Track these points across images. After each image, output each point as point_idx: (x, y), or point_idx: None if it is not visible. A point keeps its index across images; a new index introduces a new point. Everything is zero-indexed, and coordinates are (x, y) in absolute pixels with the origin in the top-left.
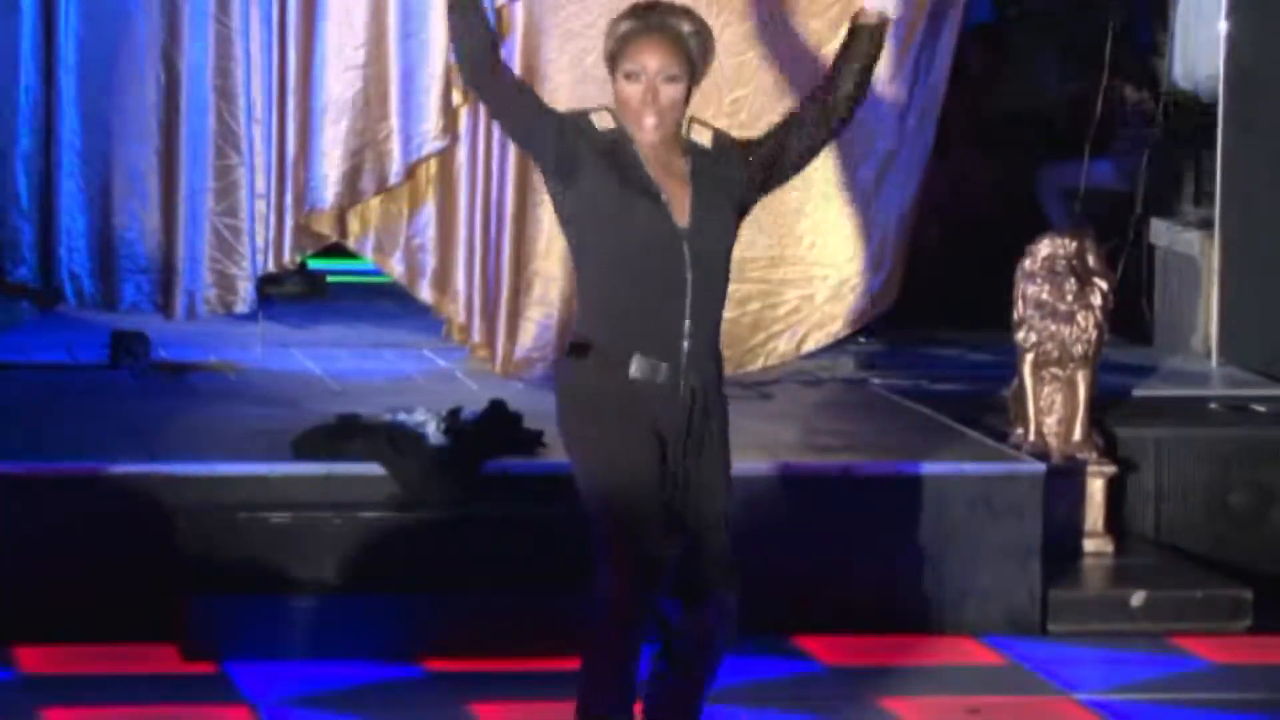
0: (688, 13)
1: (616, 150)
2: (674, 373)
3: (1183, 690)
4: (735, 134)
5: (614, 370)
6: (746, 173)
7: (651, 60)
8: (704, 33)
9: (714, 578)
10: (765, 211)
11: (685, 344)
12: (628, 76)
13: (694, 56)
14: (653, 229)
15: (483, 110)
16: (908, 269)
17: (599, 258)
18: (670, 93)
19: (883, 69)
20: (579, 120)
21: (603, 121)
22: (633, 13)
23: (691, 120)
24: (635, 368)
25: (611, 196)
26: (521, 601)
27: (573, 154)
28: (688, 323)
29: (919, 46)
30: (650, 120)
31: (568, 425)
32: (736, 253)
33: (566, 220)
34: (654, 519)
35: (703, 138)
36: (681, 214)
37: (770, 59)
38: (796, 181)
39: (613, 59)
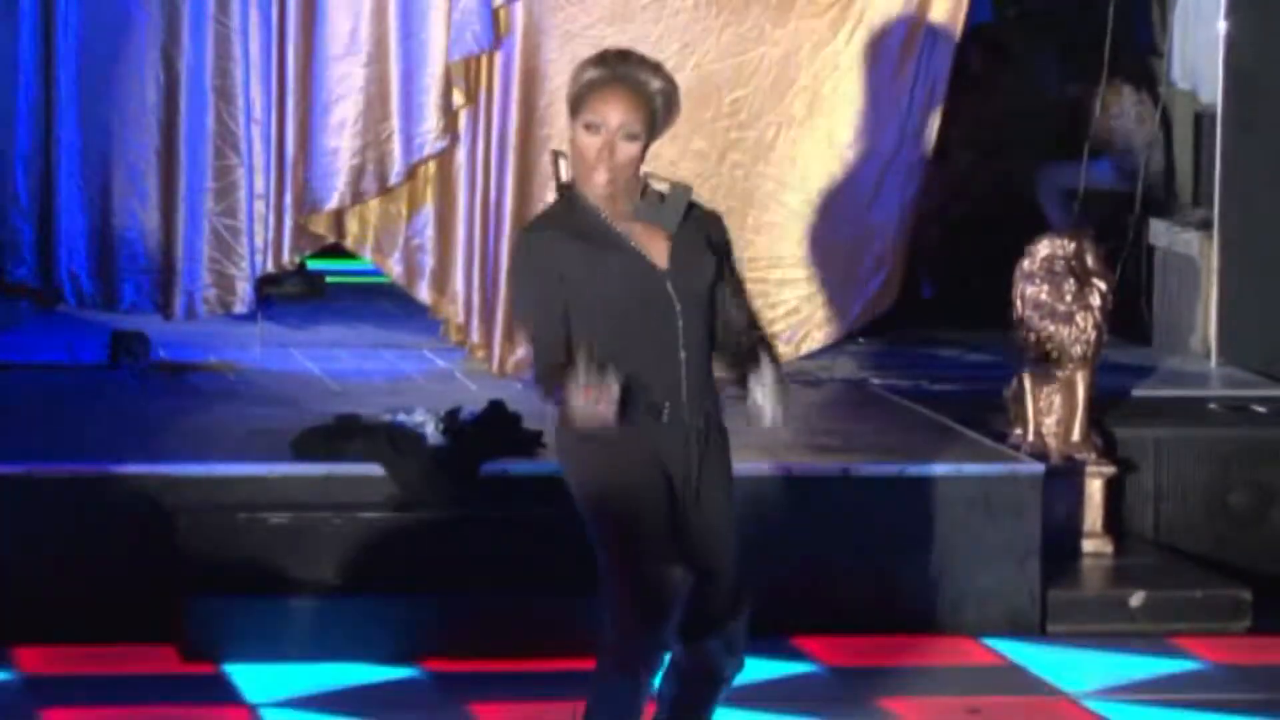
0: (658, 69)
1: (576, 218)
2: (676, 411)
3: (1182, 691)
4: (734, 134)
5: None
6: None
7: (614, 115)
8: (670, 91)
9: (720, 615)
10: (765, 212)
11: (685, 383)
12: (587, 127)
13: (657, 114)
14: (634, 278)
15: (483, 110)
16: (908, 269)
17: (586, 320)
18: (628, 151)
19: (884, 70)
20: (547, 242)
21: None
22: (602, 60)
23: (648, 177)
24: (639, 408)
25: (586, 266)
26: (521, 602)
27: (561, 274)
28: (684, 361)
29: (920, 48)
30: (602, 177)
31: (573, 463)
32: (735, 253)
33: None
34: (665, 558)
35: (661, 187)
36: (660, 257)
37: (769, 59)
38: (795, 183)
39: (575, 105)
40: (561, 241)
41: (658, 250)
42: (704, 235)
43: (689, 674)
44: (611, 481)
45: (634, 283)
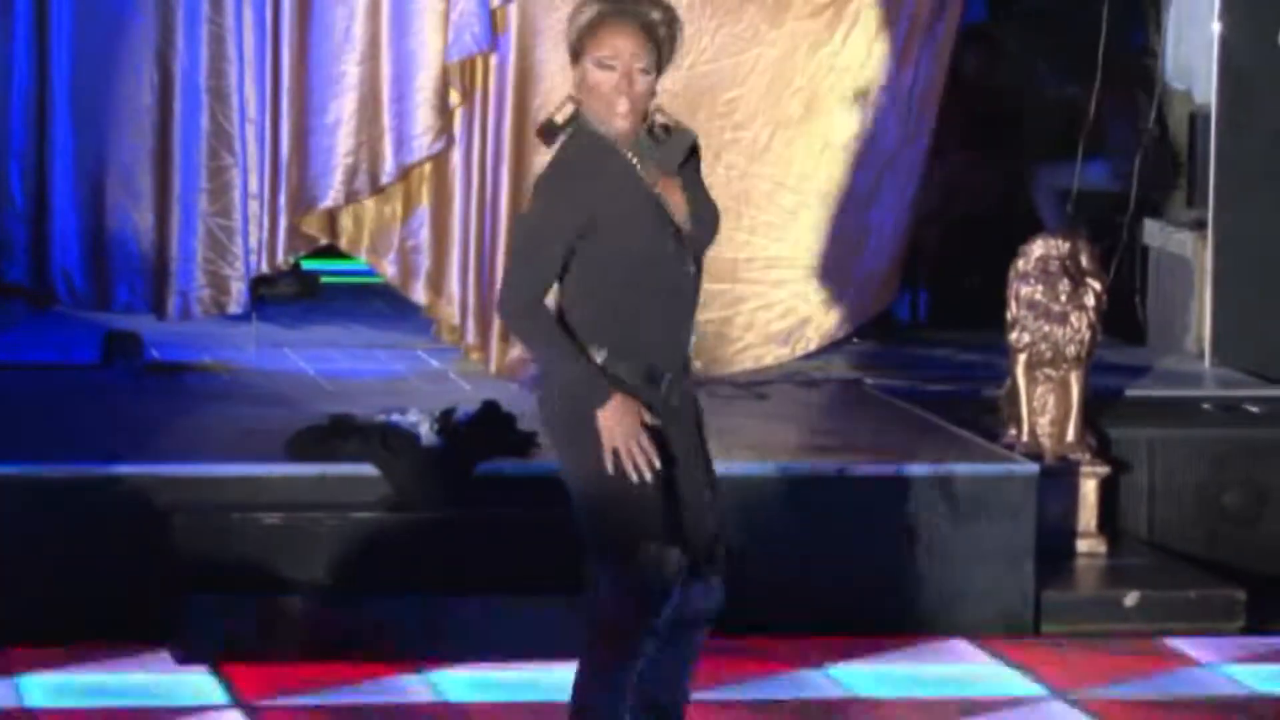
0: (654, 0)
1: (606, 162)
2: (675, 382)
3: (1176, 691)
4: (729, 135)
5: (620, 379)
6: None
7: (626, 47)
8: (671, 20)
9: (705, 574)
10: (761, 213)
11: (683, 350)
12: (600, 64)
13: (662, 46)
14: (658, 233)
15: (478, 111)
16: (904, 269)
17: (607, 274)
18: (644, 83)
19: (883, 70)
20: (583, 186)
21: (563, 114)
22: (615, 3)
23: (656, 111)
24: (644, 375)
25: (617, 216)
26: (516, 602)
27: (588, 221)
28: (687, 326)
29: (916, 48)
30: (624, 107)
31: (569, 442)
32: (730, 253)
33: (578, 259)
34: (664, 538)
35: (664, 120)
36: (679, 211)
37: (765, 59)
38: (792, 184)
39: (579, 44)
40: (596, 188)
41: (677, 205)
42: (701, 178)
43: (671, 621)
44: (611, 461)
45: (657, 238)
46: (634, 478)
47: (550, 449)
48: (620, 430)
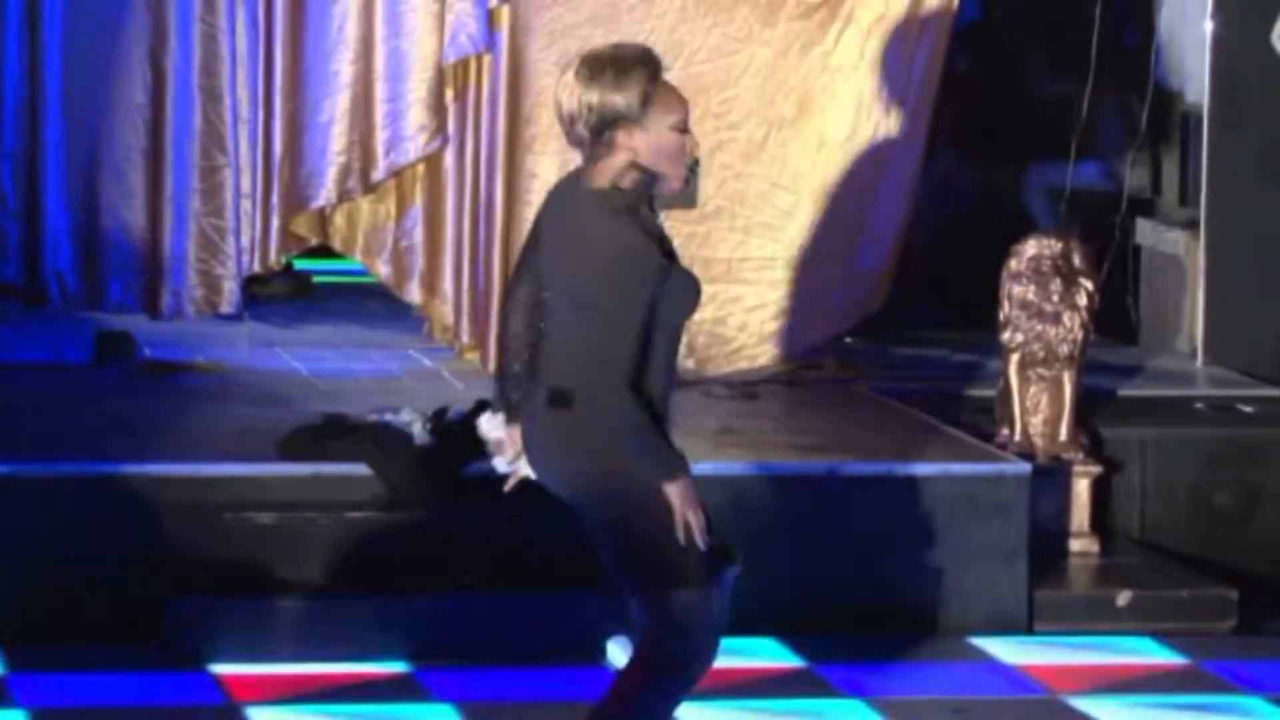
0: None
1: (656, 221)
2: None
3: (1169, 690)
4: (723, 135)
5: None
6: None
7: (687, 110)
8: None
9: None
10: (756, 213)
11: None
12: (678, 128)
13: None
14: (685, 275)
15: (471, 110)
16: (897, 269)
17: (654, 330)
18: None
19: (874, 71)
20: (660, 254)
21: (629, 180)
22: (654, 65)
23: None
24: (663, 414)
25: (670, 280)
26: (507, 602)
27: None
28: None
29: (910, 48)
30: (685, 171)
31: (646, 503)
32: (725, 253)
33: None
34: (706, 573)
35: None
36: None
37: (758, 59)
38: (787, 183)
39: (641, 110)
40: (664, 261)
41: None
42: None
43: None
44: (683, 533)
45: (685, 280)
46: (702, 546)
47: (574, 478)
48: (690, 502)
